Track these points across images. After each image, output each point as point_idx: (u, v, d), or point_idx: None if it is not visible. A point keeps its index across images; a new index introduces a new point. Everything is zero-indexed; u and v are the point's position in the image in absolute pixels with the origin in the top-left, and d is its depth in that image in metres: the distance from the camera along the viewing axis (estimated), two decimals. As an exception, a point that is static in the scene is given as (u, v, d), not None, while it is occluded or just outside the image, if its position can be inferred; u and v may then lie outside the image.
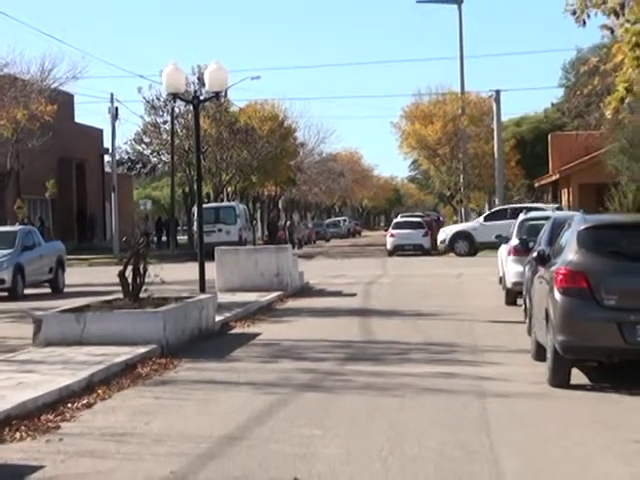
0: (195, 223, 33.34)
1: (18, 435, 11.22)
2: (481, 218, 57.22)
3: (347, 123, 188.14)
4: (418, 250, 56.82)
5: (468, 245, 53.43)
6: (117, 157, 67.91)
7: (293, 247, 45.82)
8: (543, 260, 16.04)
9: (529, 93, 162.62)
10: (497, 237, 29.97)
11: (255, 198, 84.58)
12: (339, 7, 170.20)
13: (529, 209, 55.16)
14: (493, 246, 52.00)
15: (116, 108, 64.40)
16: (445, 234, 56.32)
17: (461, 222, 78.73)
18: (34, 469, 9.75)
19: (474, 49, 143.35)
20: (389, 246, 57.22)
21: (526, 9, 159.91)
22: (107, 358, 15.78)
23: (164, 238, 71.08)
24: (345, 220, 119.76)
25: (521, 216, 29.58)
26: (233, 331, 21.28)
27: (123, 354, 16.18)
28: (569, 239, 14.70)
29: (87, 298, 21.96)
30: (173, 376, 15.47)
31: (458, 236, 54.37)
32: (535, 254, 17.45)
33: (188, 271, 26.70)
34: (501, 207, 59.23)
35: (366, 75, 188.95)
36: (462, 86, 74.89)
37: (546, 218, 23.44)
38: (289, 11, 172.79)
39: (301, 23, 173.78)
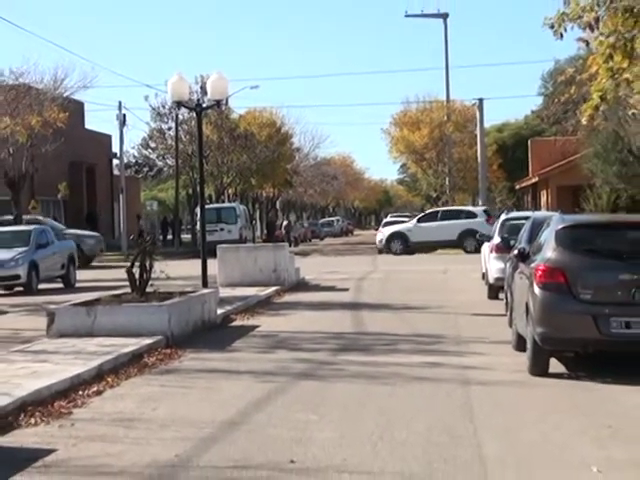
0: (198, 223, 33.27)
1: (33, 420, 11.23)
2: (415, 220, 57.14)
3: (340, 129, 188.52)
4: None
5: (403, 245, 53.31)
6: (125, 161, 67.90)
7: (290, 245, 45.90)
8: (523, 257, 16.06)
9: (510, 101, 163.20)
10: (480, 236, 29.98)
11: (254, 199, 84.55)
12: (334, 20, 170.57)
13: (460, 212, 55.44)
14: (426, 246, 52.34)
15: (124, 115, 64.45)
16: (382, 234, 56.24)
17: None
18: (47, 452, 9.76)
19: (459, 60, 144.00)
20: (380, 244, 57.08)
21: (507, 22, 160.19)
22: (116, 349, 15.78)
23: (169, 237, 71.05)
24: (338, 220, 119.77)
25: (503, 216, 29.57)
26: (234, 323, 21.27)
27: (131, 345, 16.18)
28: (548, 238, 14.72)
29: (97, 293, 21.94)
30: (177, 365, 15.47)
31: (394, 236, 54.22)
32: (516, 252, 17.45)
33: (191, 267, 26.70)
34: (433, 210, 59.30)
35: (358, 84, 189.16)
36: (447, 95, 75.00)
37: (526, 218, 23.46)
38: (286, 24, 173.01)
39: (298, 36, 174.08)
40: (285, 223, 77.61)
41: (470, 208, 57.68)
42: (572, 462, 9.15)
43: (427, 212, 59.39)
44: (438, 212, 56.08)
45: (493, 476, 8.69)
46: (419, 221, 55.00)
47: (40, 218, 46.88)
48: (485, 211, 54.72)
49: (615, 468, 8.86)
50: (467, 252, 49.94)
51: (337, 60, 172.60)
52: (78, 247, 41.74)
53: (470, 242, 50.60)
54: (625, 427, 10.30)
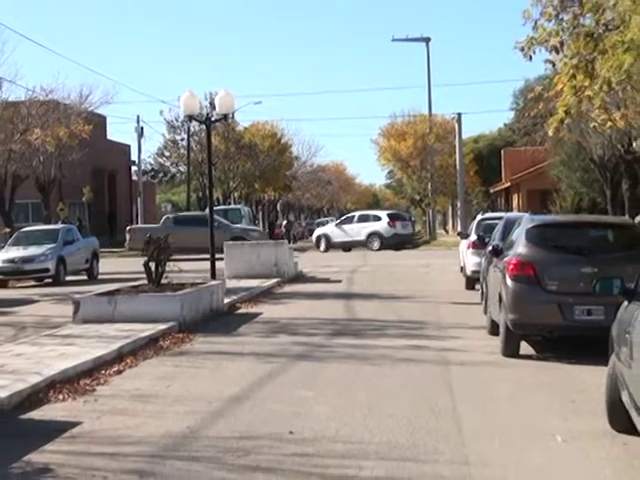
0: (134, 224, 33.16)
1: (61, 396, 11.24)
2: (335, 223, 57.27)
3: (334, 140, 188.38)
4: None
5: (326, 244, 53.38)
6: (142, 168, 67.97)
7: (289, 242, 45.75)
8: (497, 253, 16.09)
9: (485, 115, 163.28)
10: (459, 234, 29.99)
11: (257, 202, 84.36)
12: (329, 44, 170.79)
13: (369, 216, 55.52)
14: (342, 246, 52.24)
15: (141, 127, 64.58)
16: (314, 235, 56.68)
17: (429, 222, 78.95)
18: (74, 425, 9.77)
19: (440, 78, 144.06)
20: (369, 241, 56.88)
21: (483, 46, 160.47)
22: (134, 333, 15.77)
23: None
24: (332, 220, 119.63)
25: (479, 216, 29.59)
26: (239, 311, 21.26)
27: (147, 330, 16.17)
28: (519, 235, 14.75)
29: (117, 284, 21.92)
30: (189, 348, 15.47)
31: (320, 237, 54.23)
32: (490, 248, 17.49)
33: (201, 262, 26.67)
34: (350, 214, 59.34)
35: (350, 100, 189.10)
36: (430, 109, 75.08)
37: (499, 218, 23.48)
38: (287, 47, 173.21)
39: (297, 57, 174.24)
40: (285, 223, 77.59)
41: (377, 212, 57.59)
42: (540, 432, 9.16)
43: (346, 216, 59.31)
44: (354, 216, 56.12)
45: (470, 445, 8.69)
46: (338, 224, 54.93)
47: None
48: (389, 215, 54.71)
49: (577, 438, 8.87)
50: (373, 250, 50.00)
51: (331, 78, 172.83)
52: (243, 239, 42.83)
53: (374, 242, 51.43)
54: (586, 402, 10.31)
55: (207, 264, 25.33)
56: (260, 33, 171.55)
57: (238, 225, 50.98)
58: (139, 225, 57.08)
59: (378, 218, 53.76)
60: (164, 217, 50.28)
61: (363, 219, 54.31)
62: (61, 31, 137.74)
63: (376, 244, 50.74)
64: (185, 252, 45.23)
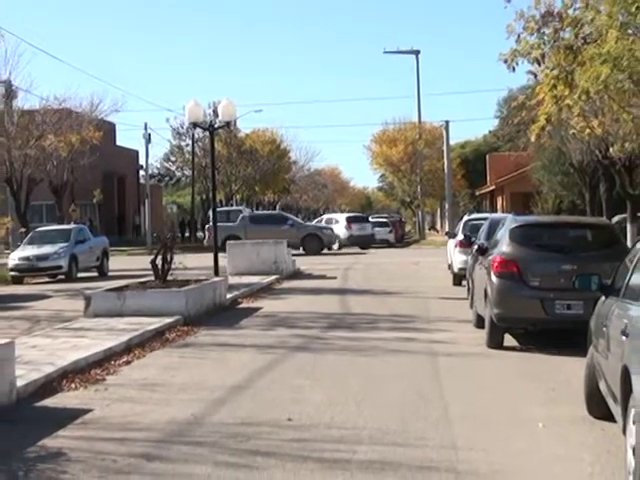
0: (210, 222, 33.25)
1: (73, 386, 11.25)
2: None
3: (329, 145, 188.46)
4: (385, 243, 56.62)
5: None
6: (149, 172, 67.83)
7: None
8: (482, 251, 16.10)
9: (471, 123, 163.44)
10: (446, 233, 29.99)
11: (258, 203, 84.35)
12: (325, 55, 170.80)
13: (336, 220, 55.66)
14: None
15: (149, 134, 64.36)
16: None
17: (419, 222, 78.91)
18: (86, 411, 9.78)
19: (429, 88, 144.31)
20: (362, 240, 56.83)
21: (469, 58, 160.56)
22: (142, 326, 15.77)
23: (187, 234, 70.92)
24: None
25: (465, 217, 29.60)
26: (240, 306, 21.25)
27: (154, 323, 16.18)
28: (503, 235, 14.76)
29: (126, 280, 21.94)
30: (193, 340, 15.47)
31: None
32: (476, 246, 17.50)
33: (205, 260, 26.68)
34: (319, 217, 59.29)
35: (345, 108, 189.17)
36: (419, 117, 74.95)
37: (485, 219, 23.48)
38: (285, 59, 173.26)
39: (295, 67, 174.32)
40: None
41: (339, 216, 58.45)
42: (522, 419, 9.19)
43: (317, 219, 59.22)
44: (323, 219, 56.54)
45: (458, 431, 8.70)
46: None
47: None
48: (347, 218, 55.68)
49: (557, 424, 8.89)
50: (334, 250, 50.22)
51: (327, 88, 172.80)
52: (317, 237, 45.05)
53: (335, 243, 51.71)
54: (566, 391, 10.33)
55: (210, 262, 25.27)
56: (261, 46, 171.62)
57: (311, 223, 52.29)
58: (218, 224, 56.95)
59: (337, 221, 54.67)
60: (240, 216, 50.47)
61: (328, 222, 54.88)
62: (74, 44, 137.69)
63: (335, 245, 50.86)
64: None
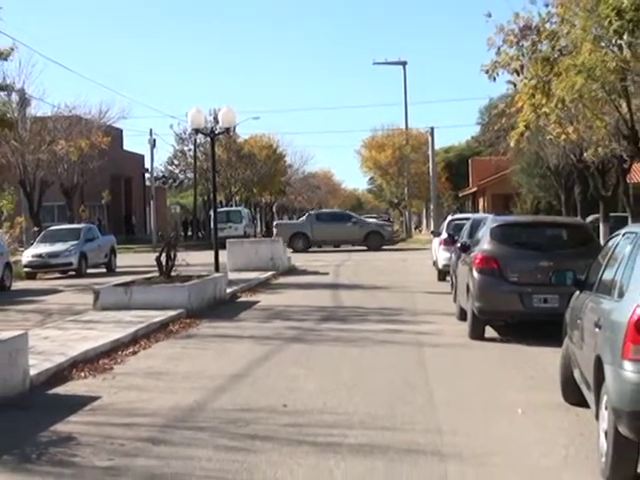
0: (212, 222, 33.31)
1: (82, 374, 11.23)
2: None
3: (322, 150, 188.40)
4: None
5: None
6: (154, 174, 67.69)
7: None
8: (465, 249, 16.12)
9: (455, 129, 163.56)
10: (431, 232, 29.98)
11: (256, 204, 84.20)
12: (319, 65, 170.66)
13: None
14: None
15: (154, 139, 64.23)
16: None
17: (406, 222, 78.88)
18: (94, 399, 9.78)
19: (416, 96, 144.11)
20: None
21: (453, 68, 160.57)
22: (147, 319, 15.76)
23: (189, 233, 70.87)
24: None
25: (449, 217, 29.61)
26: (239, 300, 21.24)
27: (159, 316, 16.16)
28: (484, 233, 14.77)
29: (132, 276, 21.90)
30: (195, 332, 15.46)
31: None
32: (459, 244, 17.53)
33: (206, 257, 26.64)
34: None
35: (337, 115, 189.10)
36: (406, 124, 74.82)
37: (467, 219, 23.51)
38: (281, 69, 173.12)
39: (290, 78, 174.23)
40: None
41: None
42: (502, 405, 9.20)
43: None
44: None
45: (442, 417, 8.71)
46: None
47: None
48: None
49: (535, 410, 8.91)
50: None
51: (321, 96, 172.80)
52: (379, 234, 45.03)
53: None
54: (543, 379, 10.35)
55: (211, 258, 25.25)
56: (259, 57, 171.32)
57: (373, 221, 52.06)
58: (285, 221, 58.33)
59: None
60: (307, 214, 50.86)
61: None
62: (83, 55, 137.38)
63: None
64: (325, 244, 45.77)
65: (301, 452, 7.47)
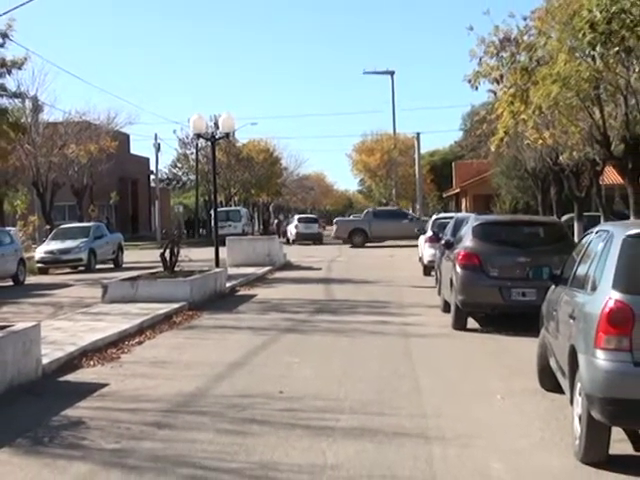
0: (212, 221, 33.23)
1: (92, 363, 11.22)
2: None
3: (316, 154, 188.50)
4: (364, 239, 56.46)
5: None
6: (159, 176, 67.72)
7: (279, 237, 45.67)
8: (449, 246, 16.12)
9: (440, 134, 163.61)
10: (418, 230, 29.93)
11: (254, 204, 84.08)
12: (312, 74, 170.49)
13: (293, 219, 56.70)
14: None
15: (158, 144, 64.25)
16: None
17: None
18: (103, 385, 9.76)
19: (403, 103, 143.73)
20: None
21: (438, 77, 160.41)
22: (152, 311, 15.74)
23: (192, 231, 70.81)
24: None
25: (434, 216, 29.60)
26: (238, 293, 21.22)
27: (163, 308, 16.14)
28: (466, 231, 14.78)
29: (138, 271, 21.87)
30: (197, 323, 15.45)
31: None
32: (443, 242, 17.52)
33: (207, 253, 26.62)
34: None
35: (329, 121, 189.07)
36: (394, 129, 75.10)
37: (451, 218, 23.51)
38: (278, 78, 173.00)
39: (286, 86, 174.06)
40: (276, 221, 77.44)
41: (296, 216, 60.06)
42: (483, 391, 9.21)
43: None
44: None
45: (427, 401, 8.72)
46: None
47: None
48: (298, 218, 57.54)
49: (513, 395, 8.92)
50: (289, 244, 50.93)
51: (314, 103, 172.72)
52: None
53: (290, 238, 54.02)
54: (521, 367, 10.34)
55: (212, 255, 25.23)
56: (257, 66, 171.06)
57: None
58: (345, 218, 58.60)
59: (293, 221, 57.46)
60: (365, 211, 51.45)
61: (291, 222, 57.68)
62: (93, 64, 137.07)
63: (285, 239, 53.11)
64: (382, 240, 45.93)
65: (296, 435, 7.47)
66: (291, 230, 55.48)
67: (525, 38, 20.46)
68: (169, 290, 17.65)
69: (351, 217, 58.28)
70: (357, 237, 46.09)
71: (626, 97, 19.69)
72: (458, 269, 13.90)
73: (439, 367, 10.71)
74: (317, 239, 54.50)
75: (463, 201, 65.95)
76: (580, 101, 20.73)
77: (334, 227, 50.29)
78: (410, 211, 53.12)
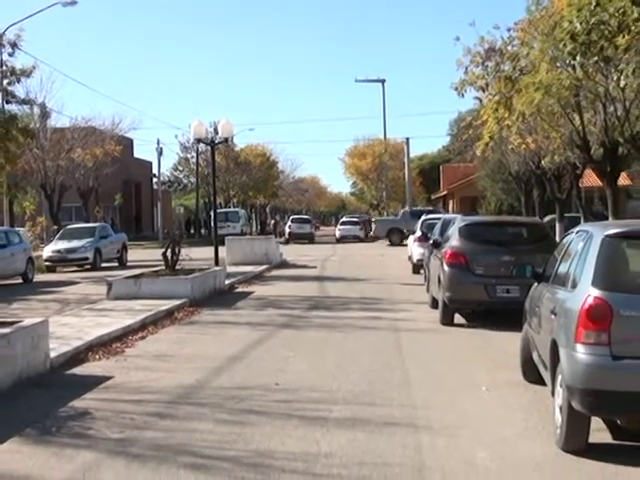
0: (212, 221, 33.24)
1: (97, 356, 11.20)
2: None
3: (311, 158, 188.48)
4: (356, 239, 56.50)
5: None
6: (161, 179, 67.60)
7: (276, 237, 45.61)
8: (437, 245, 16.13)
9: (428, 139, 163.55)
10: (407, 230, 29.97)
11: (251, 206, 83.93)
12: (307, 82, 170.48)
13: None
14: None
15: (161, 148, 64.20)
16: (339, 230, 57.85)
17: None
18: (108, 378, 9.75)
19: (393, 109, 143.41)
20: (337, 236, 56.78)
21: (427, 85, 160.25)
22: (155, 307, 15.71)
23: (192, 231, 70.73)
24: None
25: (422, 217, 29.61)
26: (236, 290, 21.20)
27: (165, 305, 16.11)
28: (453, 231, 14.79)
29: (141, 269, 21.84)
30: (197, 319, 15.43)
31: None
32: (432, 241, 17.53)
33: (207, 252, 26.59)
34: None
35: (324, 126, 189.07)
36: (385, 134, 74.75)
37: (438, 218, 23.52)
38: (274, 85, 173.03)
39: (282, 92, 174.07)
40: (273, 222, 77.48)
41: (292, 217, 61.23)
42: (469, 382, 9.22)
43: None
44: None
45: (416, 393, 8.73)
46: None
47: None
48: (291, 219, 59.06)
49: (498, 387, 8.92)
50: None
51: (309, 110, 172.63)
52: None
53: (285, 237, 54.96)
54: (505, 360, 10.34)
55: (211, 254, 25.18)
56: (255, 74, 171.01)
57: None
58: (383, 217, 59.58)
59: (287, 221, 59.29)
60: (402, 211, 52.24)
61: (286, 222, 59.27)
62: (98, 72, 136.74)
63: (283, 239, 53.65)
64: None
65: (291, 425, 7.47)
66: (286, 230, 57.12)
67: (509, 48, 20.50)
68: (171, 287, 17.63)
69: (389, 217, 59.14)
70: (394, 236, 47.36)
71: (605, 104, 19.75)
72: (445, 267, 13.91)
73: (428, 360, 10.72)
74: (309, 238, 55.64)
75: (450, 203, 66.00)
76: (561, 108, 20.78)
77: (373, 226, 51.38)
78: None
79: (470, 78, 21.71)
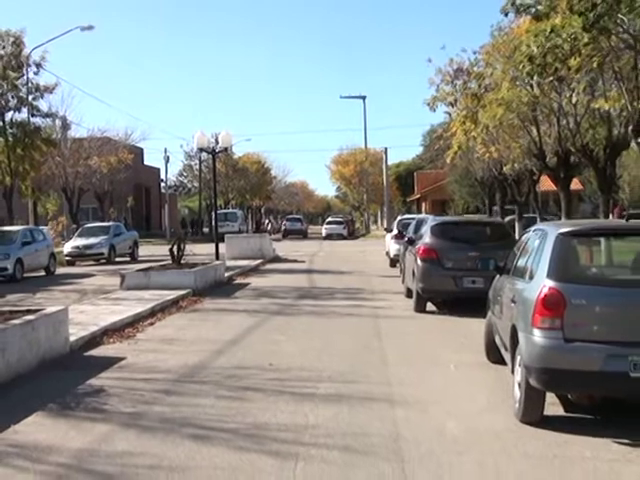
0: (213, 221, 33.08)
1: (111, 340, 11.17)
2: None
3: (300, 165, 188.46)
4: (340, 237, 56.53)
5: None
6: (168, 184, 67.42)
7: (269, 234, 45.58)
8: (411, 242, 16.13)
9: (404, 148, 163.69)
10: (385, 229, 29.99)
11: (248, 207, 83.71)
12: (297, 97, 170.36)
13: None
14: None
15: (168, 156, 63.97)
16: (325, 229, 57.53)
17: (365, 221, 78.93)
18: (121, 359, 9.71)
19: (374, 122, 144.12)
20: (324, 234, 56.75)
21: (402, 100, 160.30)
22: (162, 297, 15.68)
23: (195, 230, 70.51)
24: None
25: (399, 217, 29.65)
26: (235, 282, 21.15)
27: (171, 295, 16.07)
28: (426, 230, 14.81)
29: (151, 263, 21.77)
30: (200, 307, 15.39)
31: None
32: (407, 238, 17.54)
33: (209, 248, 26.53)
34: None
35: (312, 137, 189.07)
36: (365, 144, 74.57)
37: (413, 218, 23.56)
38: (270, 99, 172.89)
39: (276, 106, 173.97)
40: (267, 221, 77.46)
41: (287, 216, 62.08)
42: (439, 362, 9.23)
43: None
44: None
45: (392, 372, 8.73)
46: None
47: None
48: (286, 218, 61.17)
49: (464, 366, 8.94)
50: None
51: (299, 121, 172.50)
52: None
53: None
54: (472, 342, 10.36)
55: (212, 249, 25.15)
56: (252, 91, 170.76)
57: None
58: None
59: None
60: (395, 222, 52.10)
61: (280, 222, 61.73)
62: (113, 87, 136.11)
63: (279, 236, 55.23)
64: None
65: (283, 400, 7.47)
66: (282, 227, 59.33)
67: (475, 69, 20.56)
68: (176, 279, 17.60)
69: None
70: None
71: (559, 118, 19.85)
72: (419, 262, 13.92)
73: (403, 343, 10.73)
74: (303, 234, 57.65)
75: (423, 205, 66.11)
76: (520, 121, 20.85)
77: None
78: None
79: (441, 95, 21.74)
